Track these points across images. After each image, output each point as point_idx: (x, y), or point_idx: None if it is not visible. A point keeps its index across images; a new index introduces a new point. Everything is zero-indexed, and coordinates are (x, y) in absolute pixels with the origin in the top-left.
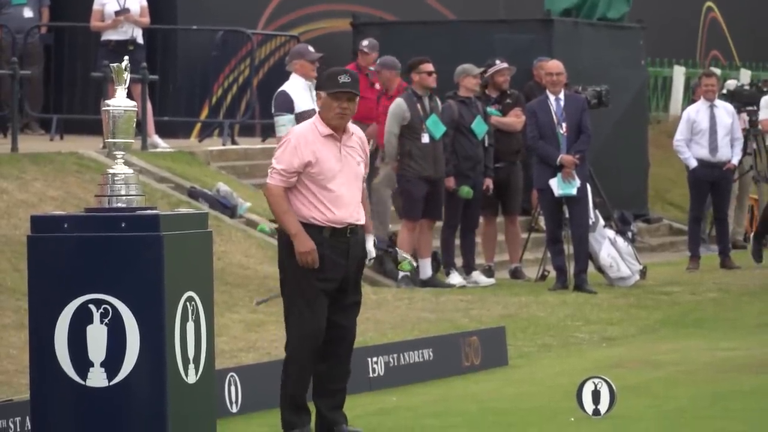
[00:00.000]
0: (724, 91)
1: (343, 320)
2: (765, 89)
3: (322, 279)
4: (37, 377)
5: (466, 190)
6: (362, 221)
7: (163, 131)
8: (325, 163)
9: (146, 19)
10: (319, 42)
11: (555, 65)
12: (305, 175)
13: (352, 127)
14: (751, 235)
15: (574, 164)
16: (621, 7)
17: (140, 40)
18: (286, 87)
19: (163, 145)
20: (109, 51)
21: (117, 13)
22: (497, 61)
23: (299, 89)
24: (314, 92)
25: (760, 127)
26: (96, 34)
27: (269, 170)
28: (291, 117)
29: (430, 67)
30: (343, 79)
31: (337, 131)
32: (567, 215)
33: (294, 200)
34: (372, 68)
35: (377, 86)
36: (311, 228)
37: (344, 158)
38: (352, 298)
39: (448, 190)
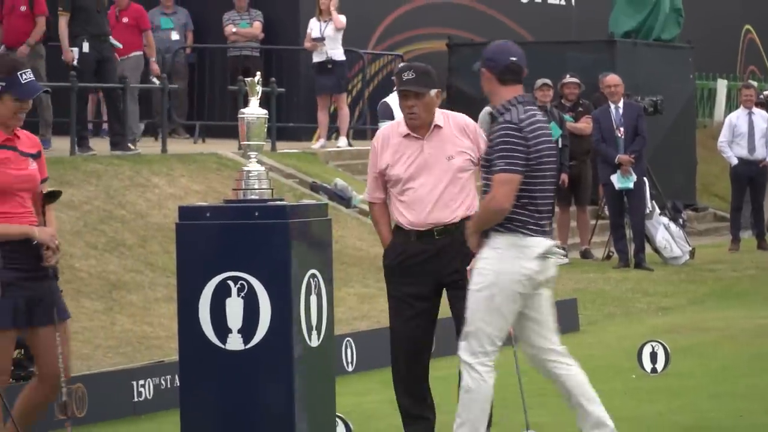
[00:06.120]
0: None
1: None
2: None
3: (409, 284)
4: (184, 342)
5: None
6: (456, 218)
7: (288, 136)
8: (400, 166)
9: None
10: (419, 60)
11: (613, 79)
12: (387, 177)
13: (448, 118)
14: None
15: (630, 162)
16: (673, 30)
17: (337, 58)
18: (388, 99)
19: (346, 144)
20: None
21: (314, 39)
22: (567, 76)
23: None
24: None
25: None
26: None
27: None
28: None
29: None
30: (407, 75)
31: (415, 131)
32: (627, 205)
33: (389, 204)
34: None
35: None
36: (401, 231)
37: (427, 156)
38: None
39: None
